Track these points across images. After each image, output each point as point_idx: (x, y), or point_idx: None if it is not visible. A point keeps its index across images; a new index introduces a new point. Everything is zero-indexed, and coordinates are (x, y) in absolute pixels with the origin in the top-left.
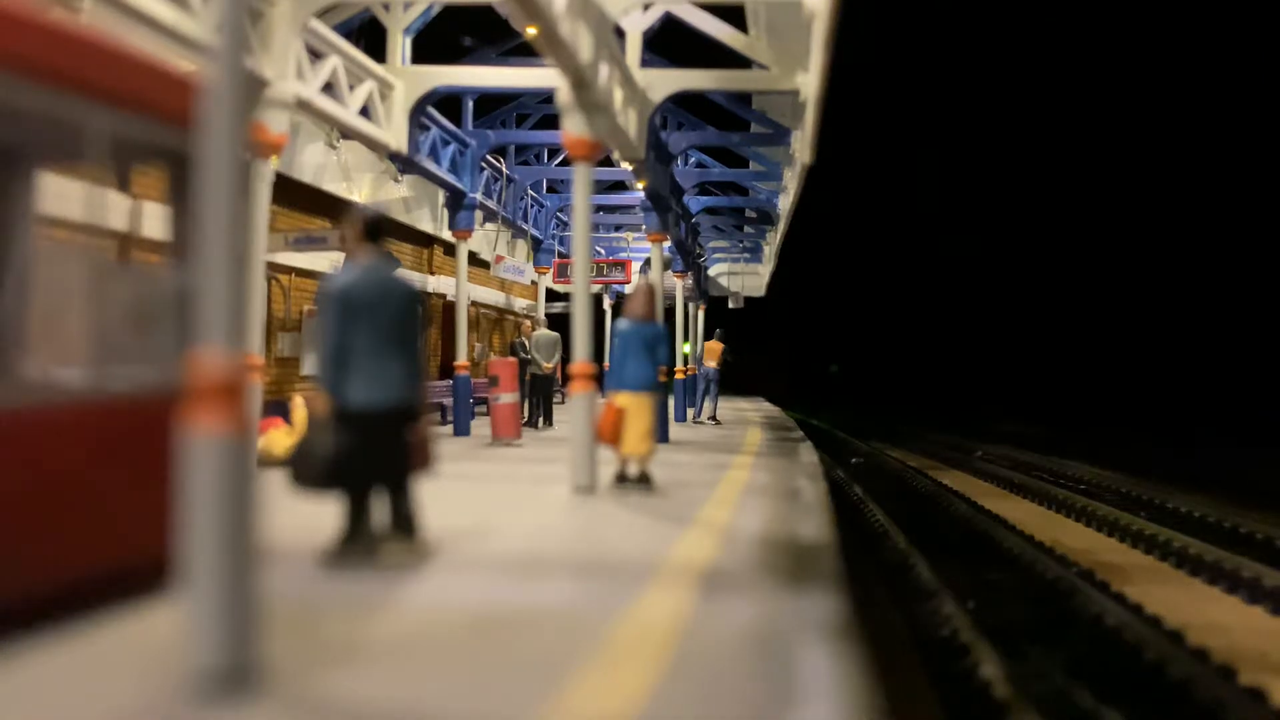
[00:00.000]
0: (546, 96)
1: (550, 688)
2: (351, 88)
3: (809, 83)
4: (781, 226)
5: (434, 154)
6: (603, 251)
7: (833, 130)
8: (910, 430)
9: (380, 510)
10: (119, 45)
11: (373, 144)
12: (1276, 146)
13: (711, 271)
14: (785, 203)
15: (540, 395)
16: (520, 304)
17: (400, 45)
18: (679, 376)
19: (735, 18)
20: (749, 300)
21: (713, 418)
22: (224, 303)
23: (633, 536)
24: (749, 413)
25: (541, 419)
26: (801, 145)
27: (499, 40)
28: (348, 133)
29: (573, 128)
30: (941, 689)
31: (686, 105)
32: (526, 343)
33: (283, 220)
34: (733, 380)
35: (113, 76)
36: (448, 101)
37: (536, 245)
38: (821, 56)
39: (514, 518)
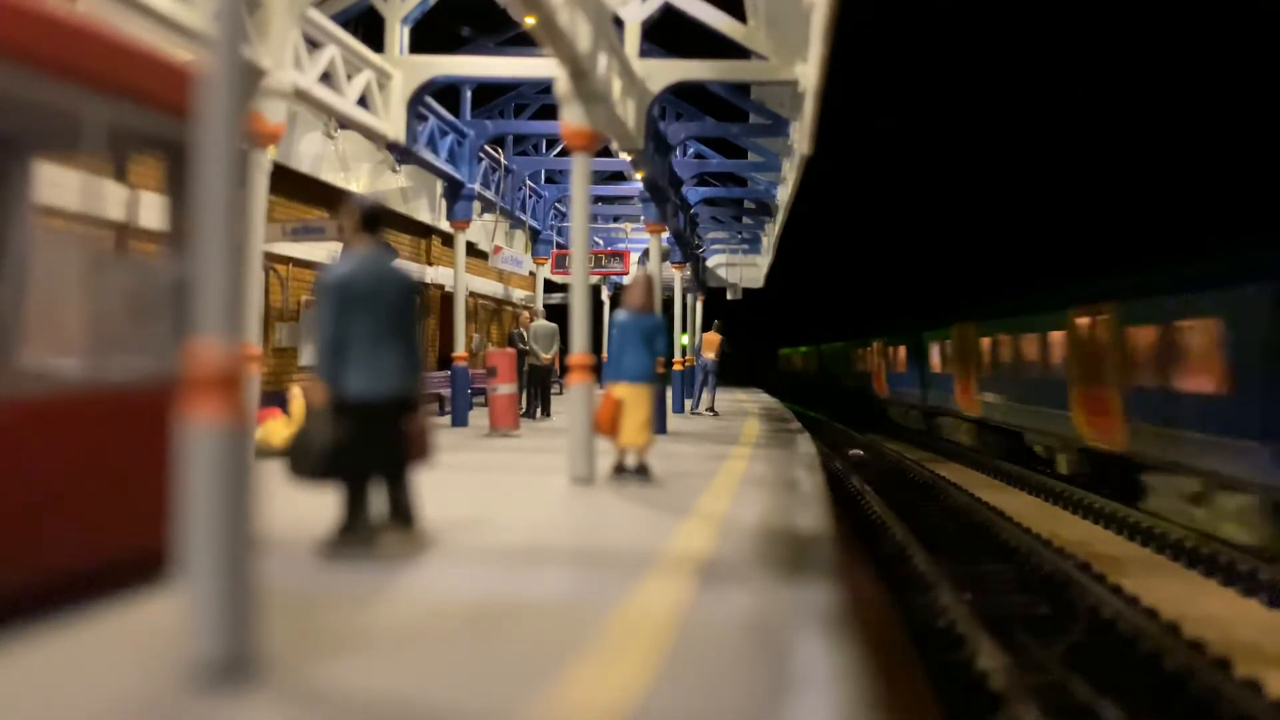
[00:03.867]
0: (545, 87)
1: (548, 677)
2: (349, 77)
3: (808, 73)
4: (780, 218)
5: (432, 144)
6: (601, 242)
7: (832, 121)
8: (908, 422)
9: (378, 500)
10: (116, 34)
11: (370, 134)
12: (1274, 145)
13: (710, 263)
14: (784, 194)
15: (538, 386)
16: (518, 295)
17: (398, 35)
18: (677, 368)
19: (734, 8)
20: (747, 291)
21: (710, 409)
22: (222, 293)
23: (630, 527)
24: (747, 404)
25: (539, 410)
26: (800, 136)
27: (497, 30)
28: (345, 122)
29: (571, 118)
30: (939, 680)
31: (685, 96)
32: (524, 333)
33: (280, 210)
34: (731, 372)
35: (110, 66)
36: (446, 91)
37: (535, 236)
38: (820, 47)
39: (512, 508)
